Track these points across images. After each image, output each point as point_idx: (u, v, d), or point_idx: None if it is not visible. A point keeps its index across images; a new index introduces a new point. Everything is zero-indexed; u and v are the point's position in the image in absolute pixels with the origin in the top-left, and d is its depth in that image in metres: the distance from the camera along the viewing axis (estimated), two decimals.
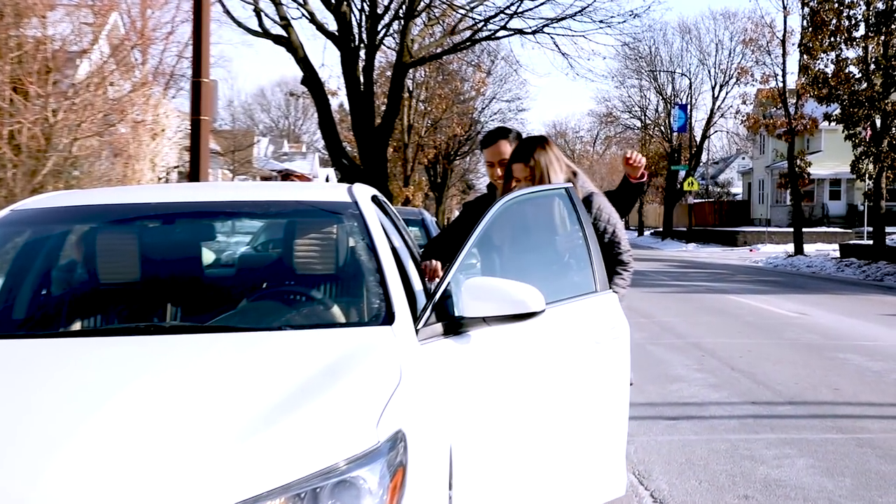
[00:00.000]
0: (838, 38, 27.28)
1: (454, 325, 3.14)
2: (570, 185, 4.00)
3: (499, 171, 4.33)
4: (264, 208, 3.83)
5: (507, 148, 4.37)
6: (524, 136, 4.45)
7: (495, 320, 3.10)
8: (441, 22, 24.52)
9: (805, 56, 28.16)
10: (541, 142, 4.17)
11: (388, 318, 3.03)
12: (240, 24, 21.03)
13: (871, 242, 27.45)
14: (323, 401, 2.42)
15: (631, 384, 4.00)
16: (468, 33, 24.29)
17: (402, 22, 22.89)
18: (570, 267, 3.90)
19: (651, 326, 11.81)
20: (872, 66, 26.07)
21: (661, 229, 57.00)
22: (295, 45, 21.44)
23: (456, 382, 3.06)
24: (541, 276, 3.70)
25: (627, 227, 76.05)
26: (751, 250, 38.26)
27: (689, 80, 54.06)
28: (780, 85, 33.82)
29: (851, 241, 33.02)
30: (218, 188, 4.72)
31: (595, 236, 3.97)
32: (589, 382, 3.73)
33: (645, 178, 4.31)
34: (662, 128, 56.50)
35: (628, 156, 4.27)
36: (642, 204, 62.70)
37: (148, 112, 15.85)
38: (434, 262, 4.02)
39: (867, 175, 27.03)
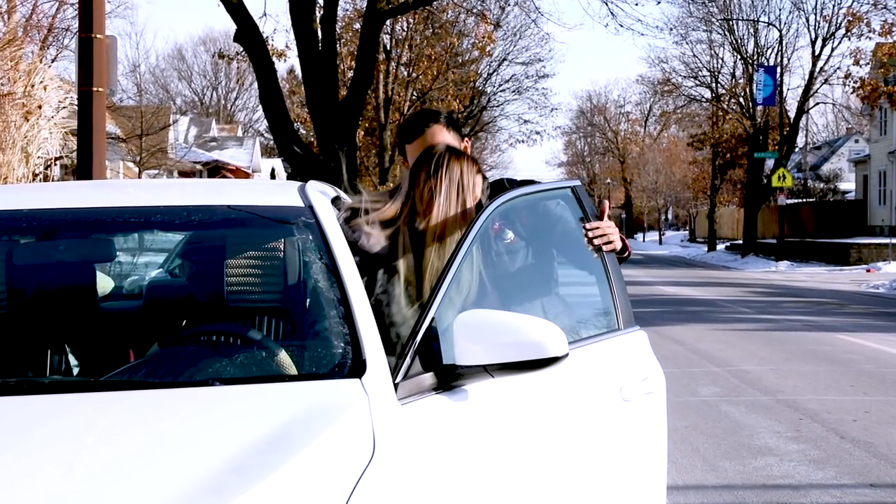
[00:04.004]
0: None
1: (446, 377, 3.17)
2: (578, 182, 4.06)
3: None
4: (184, 217, 3.85)
5: (444, 134, 4.24)
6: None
7: (501, 369, 3.13)
8: None
9: None
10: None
11: (356, 367, 3.05)
12: None
13: None
14: (266, 486, 2.44)
15: None
16: None
17: None
18: (585, 294, 3.97)
19: (726, 378, 11.82)
20: None
21: (740, 241, 57.07)
22: None
23: (449, 455, 3.08)
24: (545, 306, 3.75)
25: (693, 240, 76.21)
26: (868, 270, 38.34)
27: (780, 31, 54.27)
28: None
29: None
30: (119, 189, 4.74)
31: (615, 256, 4.02)
32: (615, 455, 3.77)
33: (627, 253, 4.20)
34: (742, 99, 56.63)
35: (591, 226, 4.07)
36: (714, 207, 62.75)
37: (17, 81, 15.86)
38: None
39: None
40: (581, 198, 4.01)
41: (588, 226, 3.98)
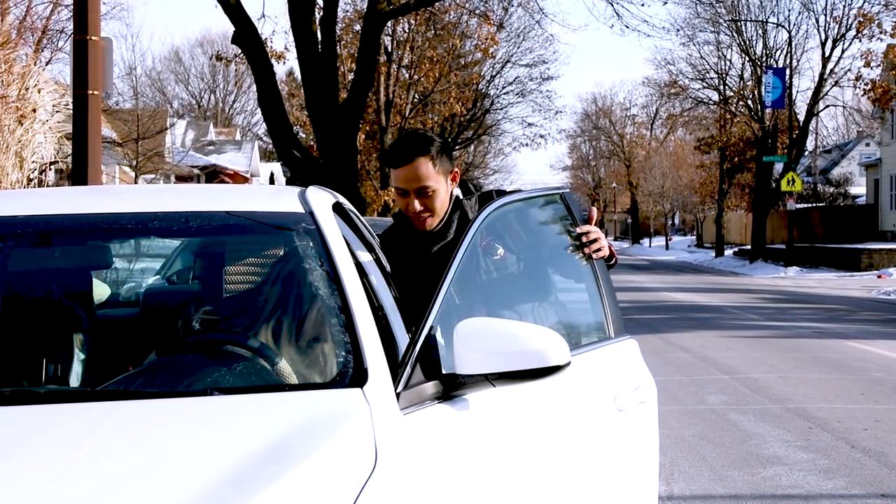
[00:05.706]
0: None
1: (448, 386, 3.18)
2: (567, 188, 4.09)
3: (416, 205, 4.10)
4: (181, 223, 3.85)
5: (428, 169, 4.10)
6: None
7: (502, 378, 3.14)
8: None
9: None
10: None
11: (357, 376, 3.06)
12: None
13: None
14: (266, 499, 2.44)
15: None
16: None
17: None
18: (575, 302, 4.00)
19: (734, 386, 11.83)
20: None
21: (748, 247, 57.04)
22: None
23: (451, 465, 3.09)
24: (538, 314, 3.77)
25: (701, 245, 76.15)
26: (879, 276, 38.32)
27: (789, 32, 54.23)
28: None
29: None
30: (115, 194, 4.75)
31: (604, 263, 4.06)
32: (610, 465, 3.81)
33: (614, 261, 4.23)
34: (750, 102, 56.61)
35: (581, 231, 4.13)
36: (722, 212, 62.72)
37: (11, 84, 15.87)
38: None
39: None
40: (570, 204, 4.05)
41: (579, 230, 4.00)
